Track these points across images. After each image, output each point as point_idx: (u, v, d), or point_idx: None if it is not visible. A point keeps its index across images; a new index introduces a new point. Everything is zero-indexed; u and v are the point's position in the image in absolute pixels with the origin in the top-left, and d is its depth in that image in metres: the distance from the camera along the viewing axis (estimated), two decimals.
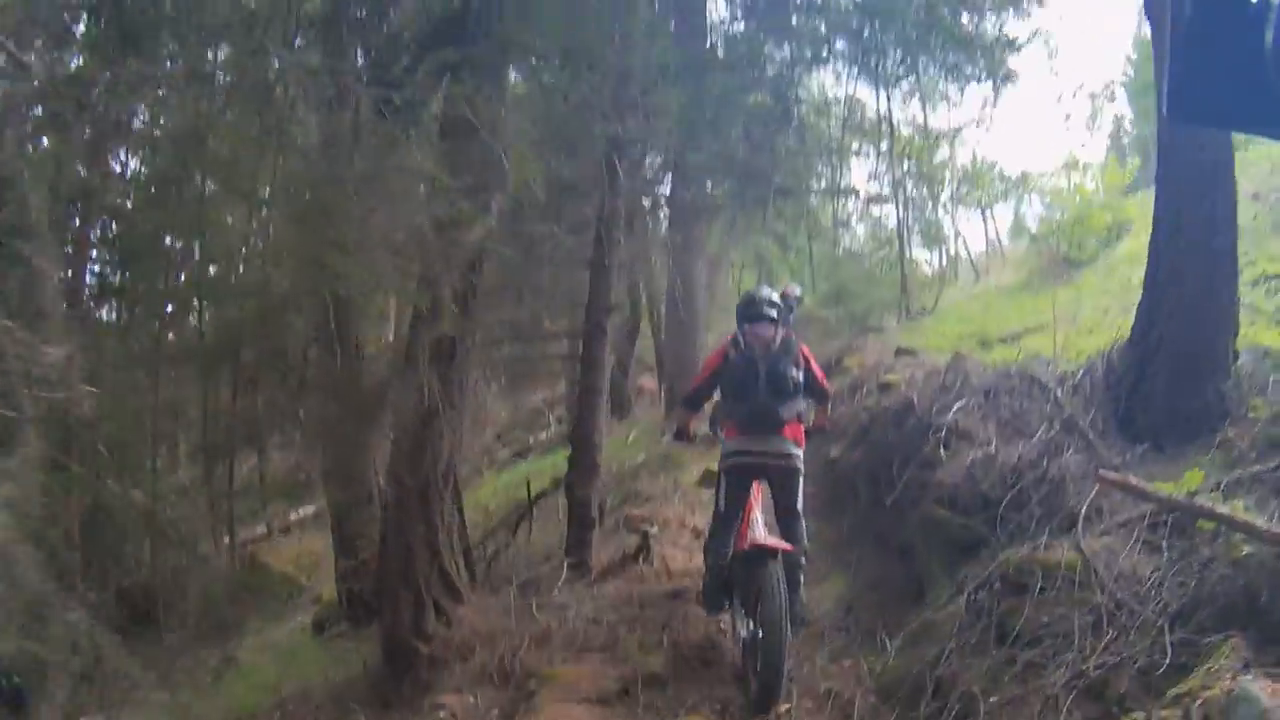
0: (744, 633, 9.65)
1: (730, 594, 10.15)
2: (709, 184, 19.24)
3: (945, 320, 23.91)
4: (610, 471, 17.78)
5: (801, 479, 10.05)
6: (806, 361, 10.22)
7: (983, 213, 34.11)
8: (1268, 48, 2.66)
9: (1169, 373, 10.53)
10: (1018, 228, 35.33)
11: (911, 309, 25.97)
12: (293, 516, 26.41)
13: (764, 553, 9.32)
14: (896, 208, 28.50)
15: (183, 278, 14.58)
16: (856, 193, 26.17)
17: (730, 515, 10.05)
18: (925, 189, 29.94)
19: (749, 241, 26.11)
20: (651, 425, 23.45)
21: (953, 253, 32.72)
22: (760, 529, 9.95)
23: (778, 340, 9.93)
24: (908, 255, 28.05)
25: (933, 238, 31.31)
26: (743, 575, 9.70)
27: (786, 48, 19.21)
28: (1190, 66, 2.89)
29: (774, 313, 10.25)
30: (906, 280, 26.86)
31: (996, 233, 35.27)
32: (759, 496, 10.28)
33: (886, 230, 30.65)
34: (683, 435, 11.52)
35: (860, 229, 32.42)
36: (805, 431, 10.37)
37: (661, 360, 22.71)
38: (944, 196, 31.14)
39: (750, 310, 10.38)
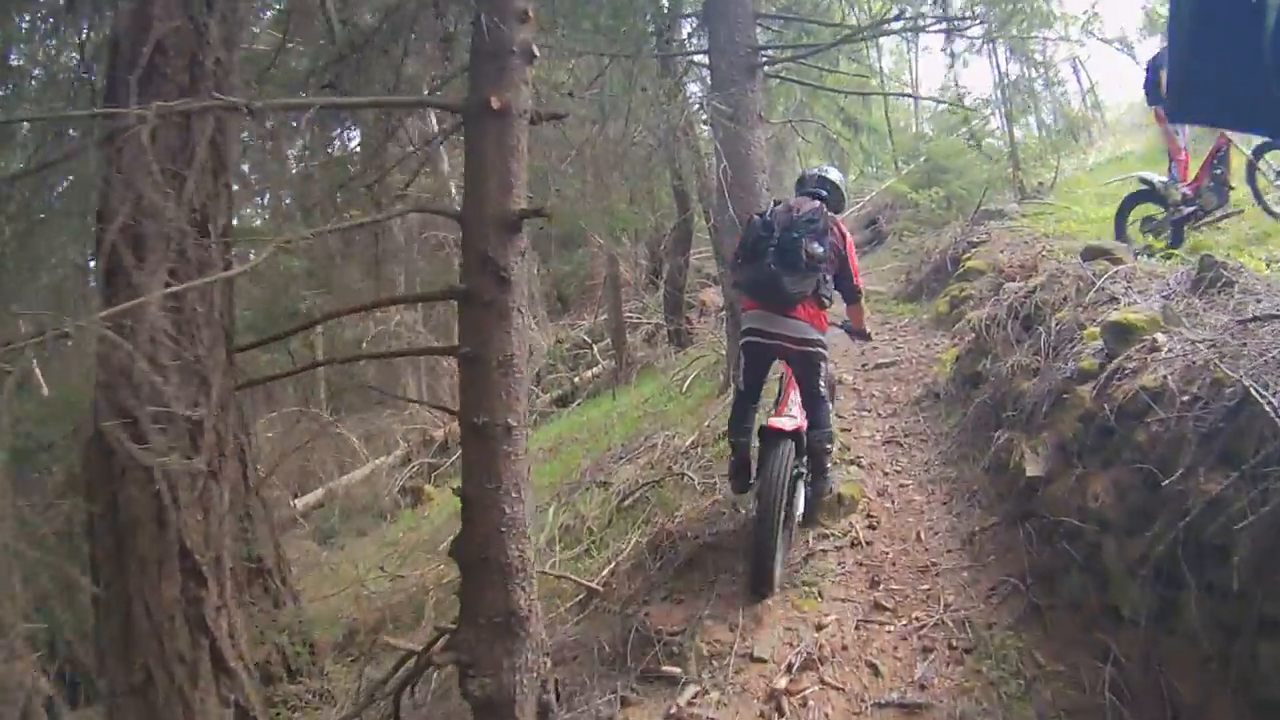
0: (751, 514, 10.02)
1: (751, 475, 10.16)
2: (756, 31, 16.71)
3: (1079, 200, 21.78)
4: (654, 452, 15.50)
5: (823, 364, 10.02)
6: (839, 243, 10.01)
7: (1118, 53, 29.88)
8: (1267, 48, 2.99)
9: None
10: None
11: (1025, 187, 23.83)
12: None
13: (772, 434, 9.48)
14: (994, 57, 26.40)
15: None
16: (948, 26, 20.35)
17: (746, 394, 10.28)
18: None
19: (813, 123, 23.67)
20: (710, 360, 20.19)
21: (1075, 109, 31.37)
22: (784, 410, 10.13)
23: (806, 208, 9.65)
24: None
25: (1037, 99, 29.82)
26: (760, 456, 9.78)
27: None
28: (1190, 66, 3.35)
29: (823, 191, 10.41)
30: (1016, 150, 25.20)
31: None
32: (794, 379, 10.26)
33: (981, 90, 26.48)
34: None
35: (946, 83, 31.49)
36: (846, 323, 11.09)
37: (724, 263, 17.43)
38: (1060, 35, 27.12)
39: (799, 187, 10.70)
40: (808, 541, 10.58)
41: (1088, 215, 19.10)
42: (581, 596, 11.63)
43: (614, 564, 11.91)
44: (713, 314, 25.88)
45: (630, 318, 29.14)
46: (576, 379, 27.87)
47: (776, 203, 10.00)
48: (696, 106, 18.04)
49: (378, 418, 28.37)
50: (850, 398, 14.77)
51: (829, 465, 10.50)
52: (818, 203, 9.90)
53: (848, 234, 10.21)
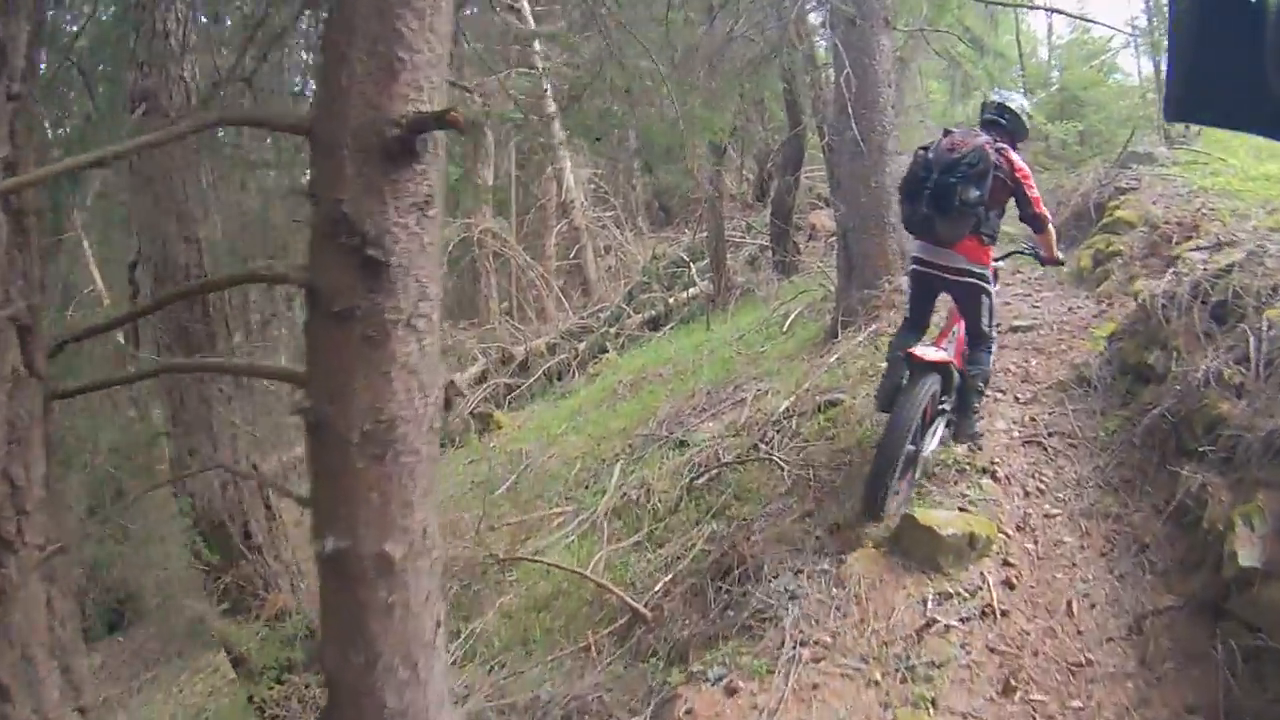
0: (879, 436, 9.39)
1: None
2: None
3: (1233, 151, 18.90)
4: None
5: (986, 298, 9.40)
6: (1010, 177, 9.22)
7: None
8: (1268, 48, 2.87)
9: None
10: None
11: (1170, 131, 21.04)
12: None
13: (917, 363, 9.04)
14: None
15: None
16: None
17: (911, 320, 9.97)
18: None
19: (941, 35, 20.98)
20: (817, 296, 18.02)
21: None
22: (941, 342, 9.76)
23: (967, 147, 8.86)
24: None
25: None
26: (905, 382, 9.16)
27: None
28: (1190, 66, 3.23)
29: (1003, 119, 9.68)
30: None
31: None
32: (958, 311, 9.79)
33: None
34: None
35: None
36: (1034, 247, 10.35)
37: (839, 186, 15.51)
38: None
39: (980, 115, 10.02)
40: (925, 603, 8.05)
41: (1246, 171, 16.39)
42: (626, 619, 9.68)
43: (670, 577, 10.02)
44: (823, 239, 23.67)
45: (733, 237, 25.96)
46: (671, 300, 24.93)
47: (947, 132, 9.32)
48: (814, 3, 16.19)
49: (456, 331, 26.70)
50: None
51: (977, 407, 9.88)
52: (982, 140, 9.01)
53: (1021, 164, 9.31)
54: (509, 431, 20.33)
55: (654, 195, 33.52)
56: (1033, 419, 10.72)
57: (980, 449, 10.00)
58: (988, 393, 10.54)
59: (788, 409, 12.28)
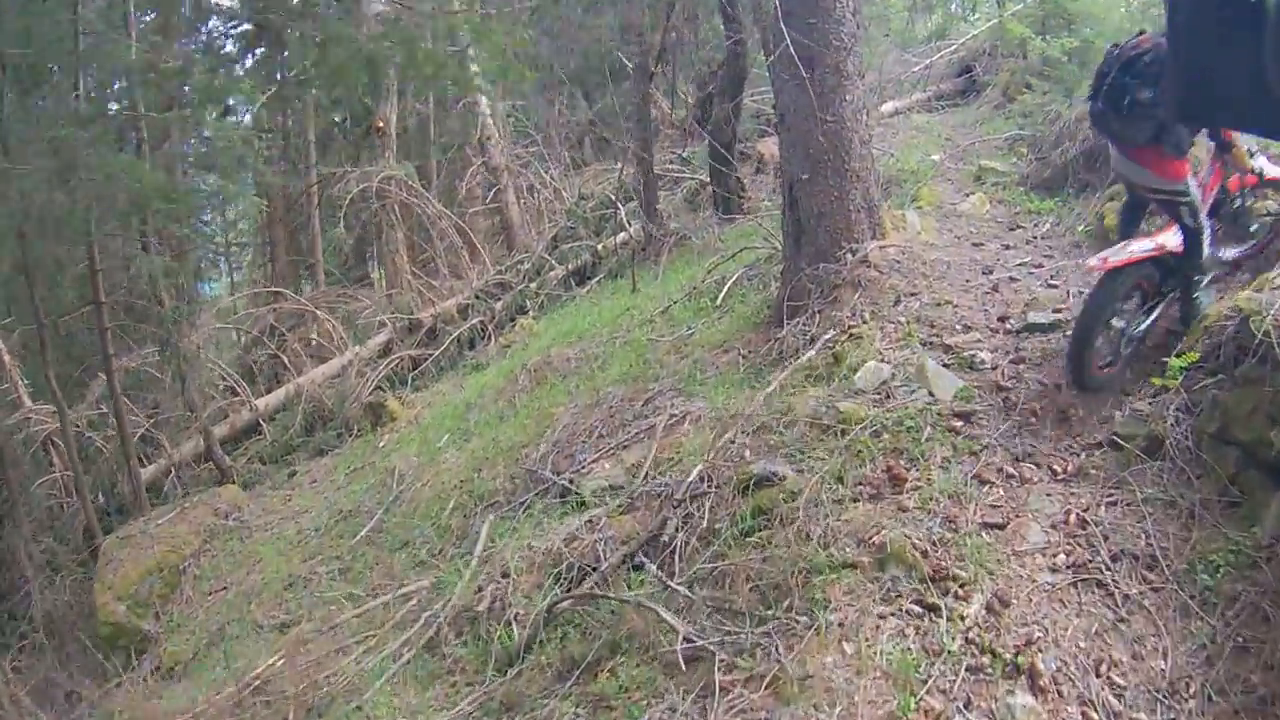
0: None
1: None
2: None
3: None
4: None
5: (1186, 208, 8.35)
6: None
7: None
8: (1267, 48, 2.90)
9: None
10: None
11: None
12: None
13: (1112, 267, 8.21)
14: None
15: None
16: None
17: (1124, 218, 9.38)
18: None
19: None
20: (761, 256, 14.00)
21: None
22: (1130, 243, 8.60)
23: (1144, 47, 8.01)
24: None
25: None
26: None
27: None
28: (1190, 66, 3.32)
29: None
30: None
31: None
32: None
33: None
34: None
35: None
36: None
37: (782, 120, 11.47)
38: None
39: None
40: None
41: None
42: None
43: None
44: (772, 173, 19.13)
45: (670, 171, 22.29)
46: (600, 247, 20.80)
47: (1140, 32, 8.20)
48: None
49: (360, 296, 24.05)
50: (990, 417, 8.21)
51: (1202, 284, 8.51)
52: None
53: None
54: (403, 424, 17.38)
55: (591, 123, 28.92)
56: (1083, 520, 6.67)
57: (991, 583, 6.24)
58: (1009, 465, 7.60)
59: (701, 475, 8.45)
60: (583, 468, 10.32)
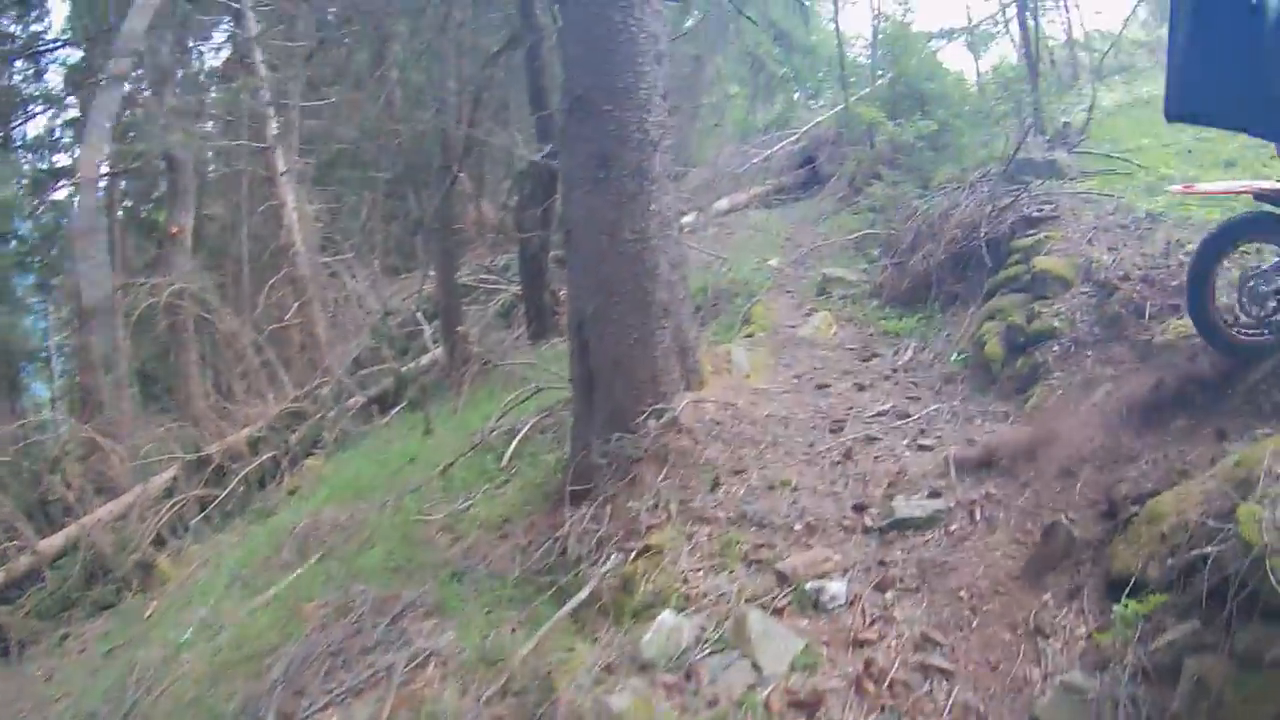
0: None
1: None
2: None
3: (1145, 153, 13.90)
4: None
5: None
6: None
7: None
8: (1266, 48, 3.08)
9: None
10: None
11: (1047, 129, 15.70)
12: None
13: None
14: None
15: None
16: None
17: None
18: None
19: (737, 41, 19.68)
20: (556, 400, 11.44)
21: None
22: None
23: None
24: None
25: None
26: None
27: None
28: (1189, 67, 3.37)
29: None
30: (1039, 70, 17.29)
31: None
32: None
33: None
34: None
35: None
36: None
37: (570, 235, 8.75)
38: None
39: None
40: None
41: (1175, 177, 11.83)
42: None
43: None
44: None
45: (483, 283, 19.98)
46: (406, 368, 18.07)
47: None
48: None
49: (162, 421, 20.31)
50: (849, 707, 5.29)
51: None
52: None
53: None
54: (174, 588, 14.58)
55: (399, 231, 26.72)
56: None
57: None
58: None
59: None
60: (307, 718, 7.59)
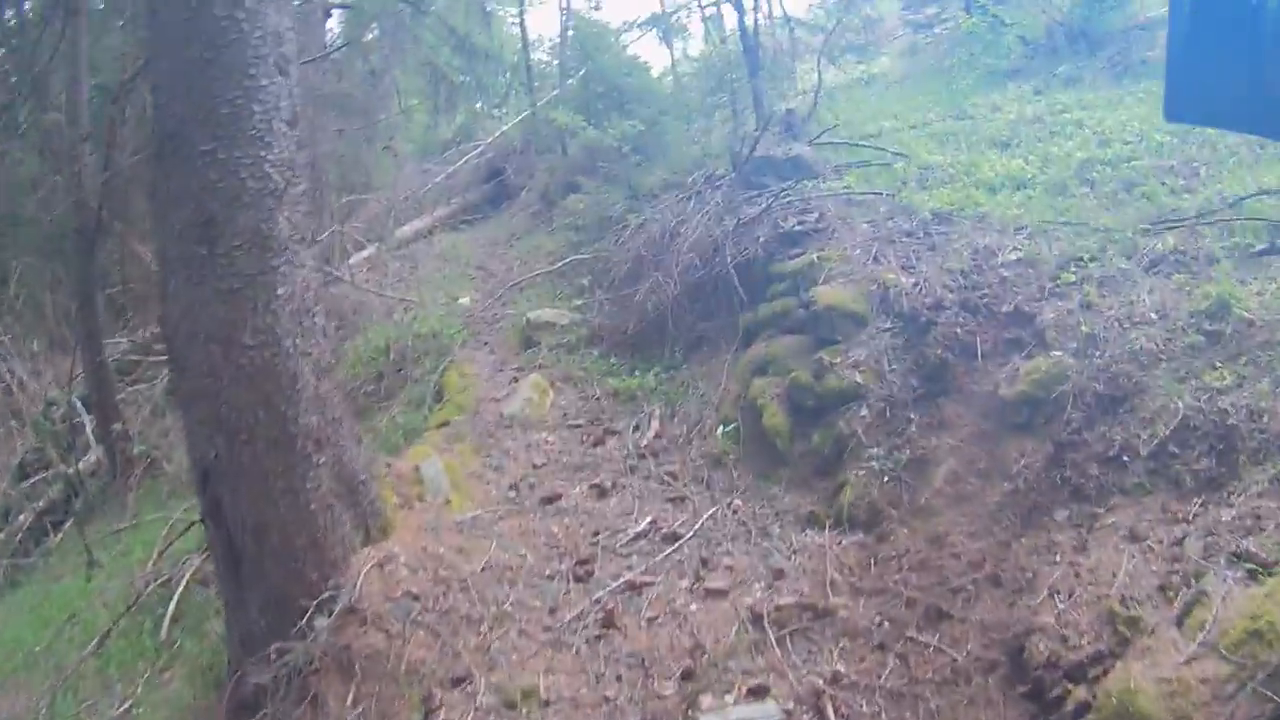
0: None
1: None
2: None
3: (900, 137, 11.79)
4: None
5: None
6: None
7: None
8: (1266, 48, 2.81)
9: None
10: None
11: (771, 119, 12.28)
12: None
13: None
14: None
15: None
16: None
17: None
18: None
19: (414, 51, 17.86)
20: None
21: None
22: None
23: None
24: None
25: None
26: None
27: None
28: (1188, 67, 3.11)
29: None
30: (756, 50, 14.01)
31: None
32: None
33: None
34: None
35: None
36: None
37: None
38: None
39: None
40: None
41: (966, 171, 9.65)
42: None
43: None
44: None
45: (153, 355, 16.06)
46: (73, 471, 13.72)
47: None
48: None
49: None
50: None
51: None
52: None
53: None
54: None
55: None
56: None
57: None
58: None
59: None
60: None
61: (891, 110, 14.03)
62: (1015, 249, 7.34)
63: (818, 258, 8.34)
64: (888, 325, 7.25)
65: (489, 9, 19.68)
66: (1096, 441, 5.44)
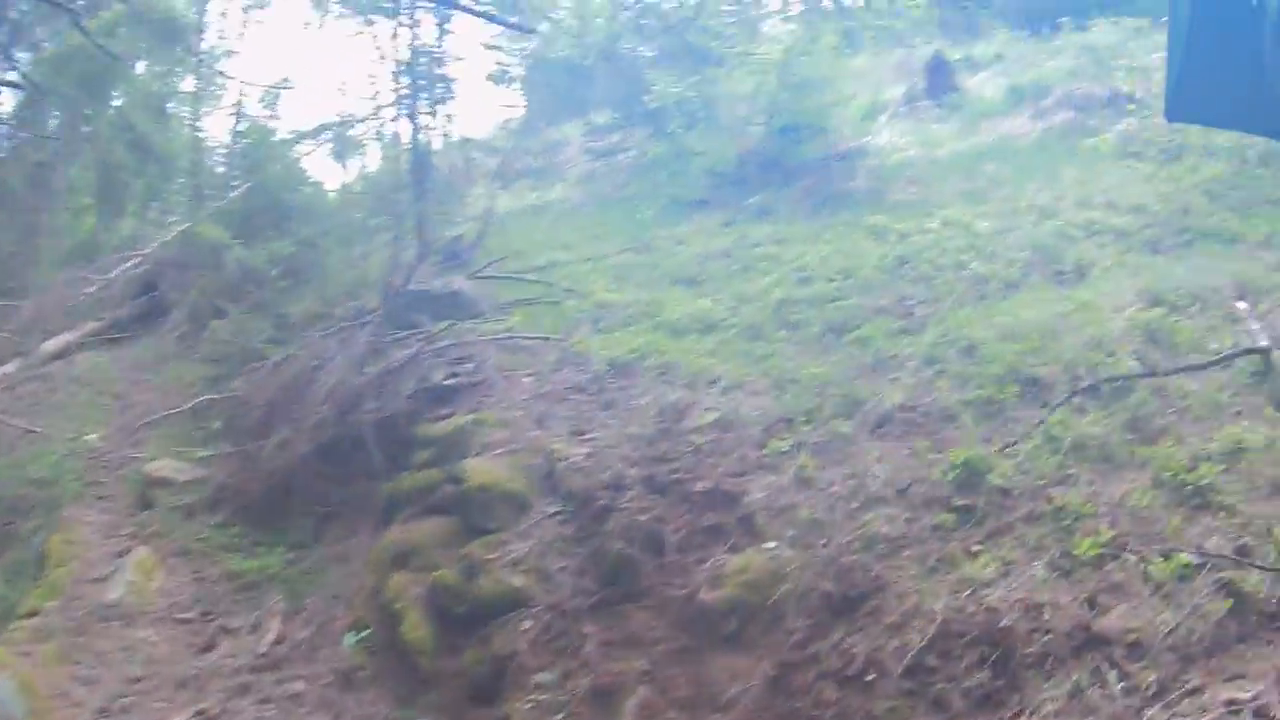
0: None
1: None
2: None
3: (573, 272, 11.01)
4: None
5: None
6: None
7: None
8: (1267, 48, 2.75)
9: None
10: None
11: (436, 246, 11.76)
12: None
13: None
14: None
15: None
16: None
17: None
18: None
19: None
20: None
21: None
22: None
23: None
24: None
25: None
26: None
27: None
28: (1190, 67, 3.02)
29: None
30: (428, 169, 13.17)
31: None
32: None
33: None
34: None
35: None
36: None
37: None
38: None
39: None
40: None
41: (626, 305, 9.18)
42: None
43: None
44: None
45: None
46: None
47: None
48: None
49: None
50: None
51: None
52: None
53: None
54: None
55: None
56: None
57: None
58: None
59: None
60: None
61: (566, 240, 13.18)
62: (710, 408, 6.42)
63: (471, 421, 7.14)
64: (555, 509, 6.02)
65: (169, 107, 17.89)
66: (831, 656, 4.46)
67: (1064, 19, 16.07)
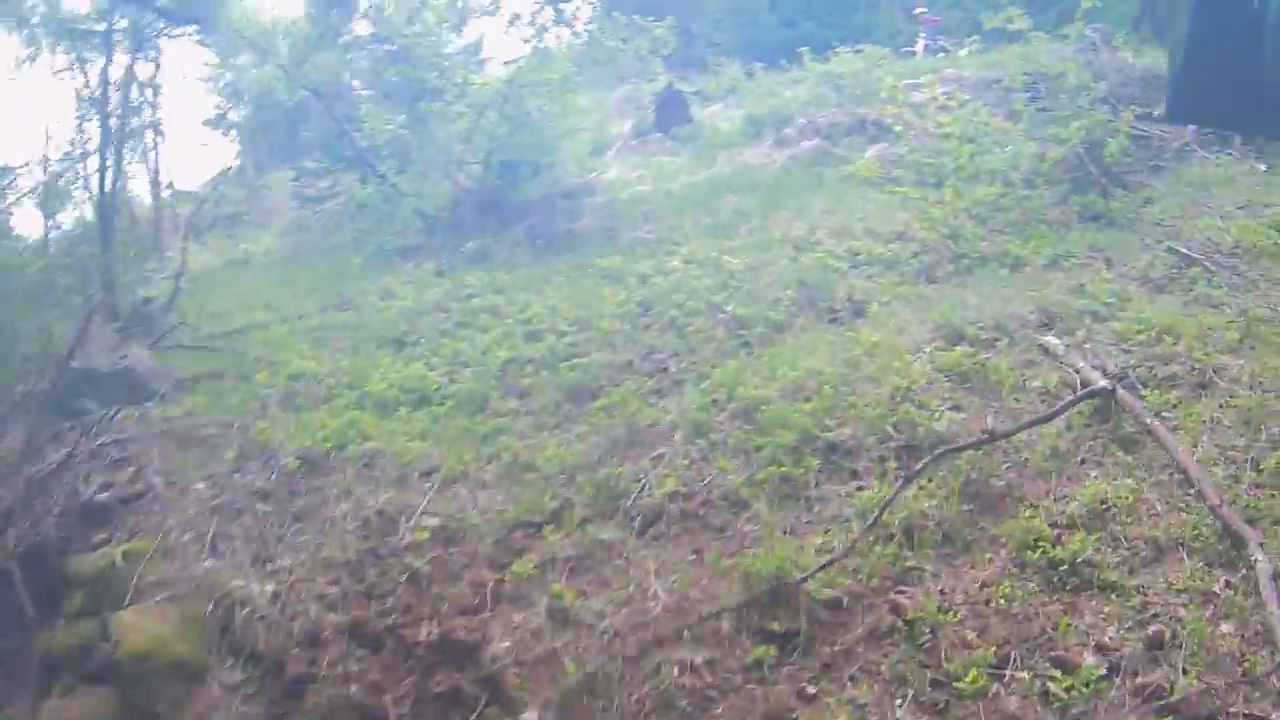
0: None
1: None
2: None
3: (281, 340, 9.67)
4: None
5: None
6: None
7: None
8: (1268, 49, 2.85)
9: None
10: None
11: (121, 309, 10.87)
12: None
13: None
14: None
15: None
16: None
17: None
18: None
19: None
20: None
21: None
22: None
23: None
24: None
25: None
26: None
27: None
28: (1190, 68, 3.16)
29: None
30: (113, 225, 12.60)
31: None
32: None
33: None
34: None
35: None
36: None
37: None
38: None
39: None
40: None
41: (324, 376, 8.15)
42: None
43: None
44: None
45: None
46: None
47: None
48: None
49: None
50: None
51: None
52: None
53: None
54: None
55: None
56: None
57: None
58: None
59: None
60: None
61: (269, 298, 12.03)
62: (427, 513, 5.46)
63: (124, 553, 5.45)
64: (239, 678, 4.65)
65: None
66: None
67: (803, 49, 15.74)
